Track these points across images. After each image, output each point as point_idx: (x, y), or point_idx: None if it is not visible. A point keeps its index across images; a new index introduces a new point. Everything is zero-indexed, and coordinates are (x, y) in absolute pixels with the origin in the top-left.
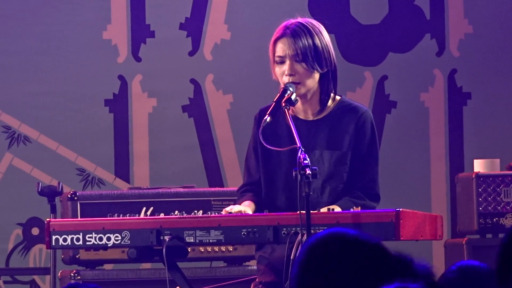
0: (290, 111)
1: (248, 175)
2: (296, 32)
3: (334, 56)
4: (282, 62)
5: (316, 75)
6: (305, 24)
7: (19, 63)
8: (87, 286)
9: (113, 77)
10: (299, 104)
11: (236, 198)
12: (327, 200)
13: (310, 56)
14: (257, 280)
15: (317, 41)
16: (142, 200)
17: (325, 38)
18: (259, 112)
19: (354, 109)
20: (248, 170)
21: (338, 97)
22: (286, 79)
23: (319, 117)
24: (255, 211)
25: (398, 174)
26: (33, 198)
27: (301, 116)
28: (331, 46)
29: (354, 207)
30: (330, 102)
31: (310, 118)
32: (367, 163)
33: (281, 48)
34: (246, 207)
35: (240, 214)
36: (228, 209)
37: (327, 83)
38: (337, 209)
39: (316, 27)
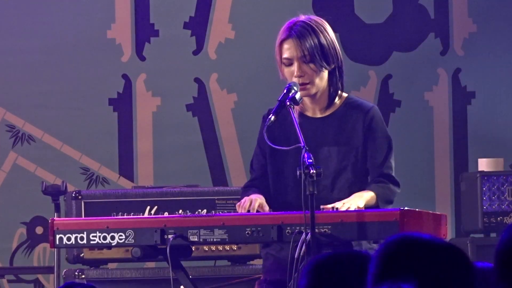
0: (298, 108)
1: (253, 172)
2: (301, 33)
3: (340, 52)
4: (290, 64)
5: (325, 74)
6: (309, 23)
7: (23, 63)
8: (84, 285)
9: (117, 76)
10: (307, 102)
11: (240, 197)
12: (337, 196)
13: (318, 56)
14: (261, 278)
15: (323, 39)
16: (146, 199)
17: (330, 34)
18: (267, 112)
19: (360, 106)
20: (253, 167)
21: (345, 95)
22: (295, 79)
23: (327, 114)
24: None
25: (402, 173)
26: (37, 197)
27: (309, 114)
28: (336, 42)
29: (385, 196)
30: (337, 99)
31: (318, 115)
32: (383, 155)
33: (288, 50)
34: (262, 199)
35: (245, 213)
36: (246, 205)
37: (336, 80)
38: (370, 193)
39: (320, 25)
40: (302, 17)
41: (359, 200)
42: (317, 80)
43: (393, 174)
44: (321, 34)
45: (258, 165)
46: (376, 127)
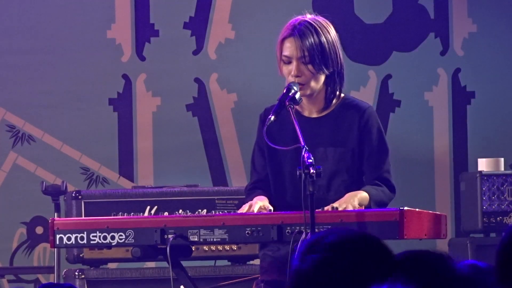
0: (295, 108)
1: (255, 173)
2: (304, 33)
3: (341, 56)
4: (289, 62)
5: (322, 76)
6: (313, 23)
7: (23, 62)
8: (62, 285)
9: (117, 76)
10: (304, 102)
11: (240, 197)
12: (333, 197)
13: (317, 58)
14: (259, 278)
15: (324, 42)
16: (146, 199)
17: (333, 38)
18: (264, 111)
19: (356, 106)
20: (255, 168)
21: (342, 95)
22: (292, 79)
23: (323, 114)
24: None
25: (402, 173)
26: (37, 197)
27: (306, 114)
28: (339, 46)
29: (379, 198)
30: (334, 100)
31: (314, 115)
32: (379, 157)
33: (288, 48)
34: (264, 201)
35: (245, 213)
36: (245, 209)
37: (333, 83)
38: (364, 193)
39: (324, 27)
40: (308, 17)
41: (353, 199)
42: (312, 82)
43: (391, 178)
44: (323, 37)
45: (260, 166)
46: (371, 128)
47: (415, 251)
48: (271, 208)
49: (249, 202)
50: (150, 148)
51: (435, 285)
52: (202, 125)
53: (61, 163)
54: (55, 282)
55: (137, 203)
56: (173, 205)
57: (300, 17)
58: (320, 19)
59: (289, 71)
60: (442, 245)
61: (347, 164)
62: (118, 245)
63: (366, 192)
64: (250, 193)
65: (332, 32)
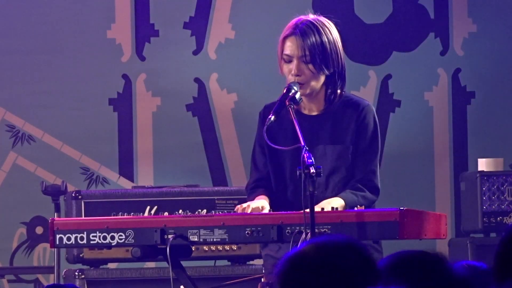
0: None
1: (256, 171)
2: (305, 32)
3: (343, 56)
4: (289, 61)
5: (322, 76)
6: (315, 23)
7: (23, 63)
8: (64, 286)
9: (117, 76)
10: (304, 101)
11: (240, 197)
12: (331, 195)
13: (318, 58)
14: (263, 280)
15: (326, 42)
16: (146, 199)
17: (334, 38)
18: (263, 109)
19: (355, 104)
20: (256, 166)
21: (342, 93)
22: (292, 78)
23: (322, 112)
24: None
25: (402, 173)
26: (37, 197)
27: (305, 112)
28: (340, 47)
29: (357, 203)
30: (335, 99)
31: (314, 113)
32: (367, 156)
33: (289, 47)
34: (263, 201)
35: (245, 213)
36: (244, 205)
37: (333, 84)
38: (339, 201)
39: (326, 27)
40: (310, 16)
41: (327, 206)
42: (312, 82)
43: (375, 179)
44: (325, 37)
45: (261, 163)
46: (367, 126)
47: (410, 251)
48: (270, 208)
49: (242, 205)
50: (150, 148)
51: (429, 286)
52: (202, 125)
53: (61, 163)
54: (55, 282)
55: (137, 203)
56: (173, 205)
57: (302, 17)
58: (322, 19)
59: (290, 70)
60: (442, 245)
61: (346, 161)
62: (118, 245)
63: (343, 198)
64: (252, 192)
65: (334, 32)
